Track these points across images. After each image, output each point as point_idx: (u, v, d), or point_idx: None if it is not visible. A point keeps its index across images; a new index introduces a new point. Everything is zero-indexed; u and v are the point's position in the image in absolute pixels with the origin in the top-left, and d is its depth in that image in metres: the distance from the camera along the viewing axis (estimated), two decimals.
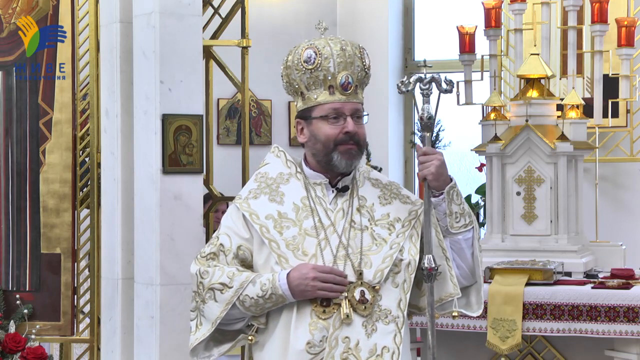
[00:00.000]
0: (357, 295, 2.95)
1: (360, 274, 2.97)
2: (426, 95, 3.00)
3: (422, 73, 3.05)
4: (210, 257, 3.08)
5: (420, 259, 3.04)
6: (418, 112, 3.03)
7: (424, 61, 3.18)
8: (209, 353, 3.13)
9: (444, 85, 3.00)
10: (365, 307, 2.95)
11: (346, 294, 2.94)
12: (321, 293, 2.93)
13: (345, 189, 3.10)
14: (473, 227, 3.12)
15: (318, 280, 2.92)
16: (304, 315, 2.96)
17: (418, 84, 2.99)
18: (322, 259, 2.98)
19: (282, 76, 3.15)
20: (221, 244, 3.08)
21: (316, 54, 3.04)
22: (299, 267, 2.96)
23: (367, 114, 3.13)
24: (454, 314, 3.13)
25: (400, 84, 3.02)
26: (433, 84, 3.00)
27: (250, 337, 3.06)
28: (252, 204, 3.08)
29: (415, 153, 6.86)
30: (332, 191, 3.11)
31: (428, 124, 3.01)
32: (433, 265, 2.98)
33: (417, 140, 6.87)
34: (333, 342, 2.93)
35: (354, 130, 3.04)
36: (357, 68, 3.07)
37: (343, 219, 3.05)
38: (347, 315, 2.92)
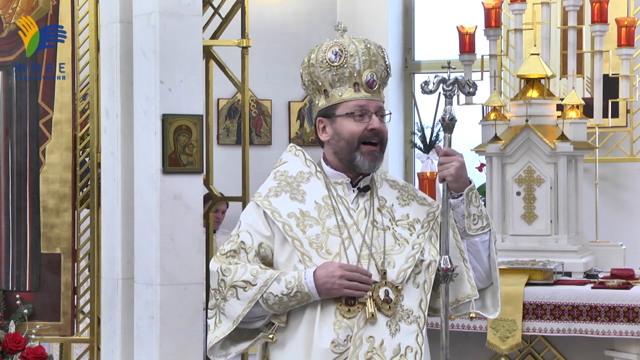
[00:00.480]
0: (381, 294, 2.95)
1: (384, 274, 2.97)
2: (449, 97, 3.01)
3: (446, 73, 3.05)
4: (230, 254, 3.05)
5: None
6: (440, 113, 3.09)
7: (448, 62, 3.15)
8: (225, 352, 3.12)
9: (466, 88, 3.02)
10: (389, 307, 2.95)
11: (371, 293, 2.94)
12: (347, 292, 2.92)
13: (366, 188, 3.10)
14: (490, 229, 3.12)
15: (345, 279, 2.91)
16: (329, 314, 2.95)
17: (441, 85, 3.01)
18: (346, 257, 2.98)
19: (301, 75, 3.14)
20: (242, 242, 3.05)
21: (342, 52, 3.04)
22: (326, 265, 2.95)
23: (390, 113, 3.12)
24: (471, 315, 3.13)
25: (423, 85, 3.03)
26: (456, 85, 3.02)
27: (270, 336, 3.03)
28: (273, 202, 3.08)
29: (415, 152, 6.88)
30: (353, 191, 3.10)
31: (450, 125, 3.01)
32: (449, 266, 2.99)
33: (417, 140, 6.86)
34: (357, 341, 2.92)
35: (379, 127, 3.03)
36: (381, 67, 3.07)
37: (365, 219, 3.04)
38: (372, 315, 2.92)
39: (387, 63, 3.10)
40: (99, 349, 4.88)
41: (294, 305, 2.98)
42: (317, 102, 3.12)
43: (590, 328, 4.73)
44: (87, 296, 4.96)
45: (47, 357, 4.83)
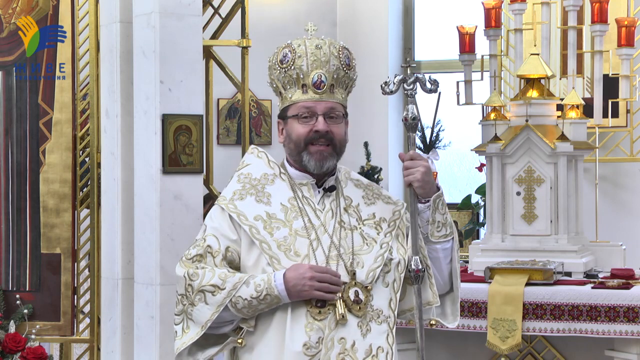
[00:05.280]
0: (351, 295, 2.94)
1: (353, 274, 2.96)
2: (410, 96, 2.97)
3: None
4: (197, 259, 3.02)
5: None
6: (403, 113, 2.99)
7: (407, 60, 3.10)
8: (192, 358, 3.06)
9: (428, 85, 2.97)
10: (359, 308, 2.94)
11: (341, 295, 2.93)
12: (318, 294, 2.91)
13: (332, 188, 3.09)
14: (453, 238, 3.10)
15: (315, 280, 2.90)
16: (300, 317, 2.94)
17: (402, 84, 2.97)
18: (315, 259, 2.97)
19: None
20: (209, 245, 3.02)
21: (290, 53, 3.05)
22: (296, 267, 2.93)
23: (344, 114, 3.07)
24: (431, 322, 3.12)
25: (383, 85, 3.00)
26: (417, 84, 2.97)
27: (239, 340, 3.00)
28: (238, 205, 3.05)
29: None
30: (319, 191, 3.09)
31: (413, 124, 2.97)
32: (420, 267, 2.98)
33: (417, 140, 6.86)
34: (329, 343, 2.91)
35: (323, 129, 3.00)
36: (333, 67, 3.03)
37: (332, 219, 3.04)
38: (343, 316, 2.91)
39: (343, 62, 3.04)
40: (99, 349, 4.88)
41: (263, 309, 2.95)
42: (278, 103, 3.14)
43: (590, 328, 4.72)
44: (87, 296, 4.96)
45: (47, 357, 4.83)
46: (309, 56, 3.02)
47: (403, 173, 3.03)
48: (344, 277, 2.95)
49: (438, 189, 3.03)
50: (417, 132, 3.05)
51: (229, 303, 2.94)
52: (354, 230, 3.03)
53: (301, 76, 3.03)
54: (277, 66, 3.07)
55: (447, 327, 3.20)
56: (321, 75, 3.02)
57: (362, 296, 2.95)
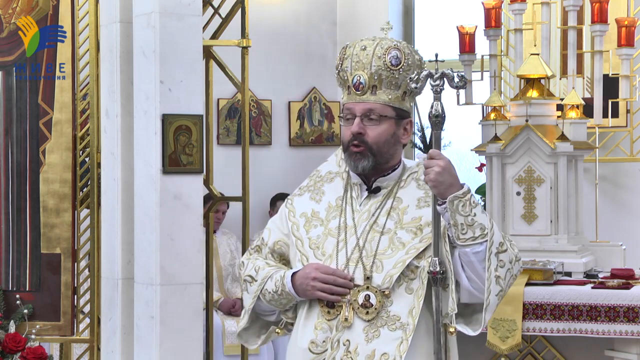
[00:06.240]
0: (360, 299, 2.91)
1: (367, 278, 2.93)
2: (437, 92, 2.87)
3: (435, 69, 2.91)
4: (255, 249, 3.17)
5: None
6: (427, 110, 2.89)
7: (436, 55, 3.03)
8: (258, 339, 3.22)
9: (456, 80, 2.87)
10: (367, 312, 2.91)
11: (349, 297, 2.91)
12: (319, 294, 2.92)
13: (376, 190, 3.05)
14: (487, 240, 2.87)
15: (318, 281, 2.91)
16: (313, 315, 2.97)
17: (429, 80, 2.88)
18: (337, 260, 2.96)
19: None
20: (262, 238, 3.16)
21: (342, 55, 3.05)
22: (306, 267, 2.97)
23: (390, 115, 2.99)
24: (450, 329, 2.95)
25: (409, 80, 2.93)
26: (445, 79, 2.87)
27: (277, 331, 3.13)
28: (295, 201, 3.13)
29: (415, 152, 6.87)
30: (366, 192, 3.07)
31: (436, 122, 2.88)
32: (437, 269, 2.86)
33: (417, 141, 6.86)
34: (335, 344, 2.91)
35: (355, 131, 2.97)
36: (374, 67, 2.97)
37: (366, 221, 3.00)
38: (346, 319, 2.90)
39: (388, 62, 2.97)
40: (99, 349, 4.88)
41: (286, 304, 3.04)
42: None
43: (590, 328, 4.73)
44: (87, 296, 4.96)
45: (47, 357, 4.83)
46: (353, 57, 3.01)
47: (424, 173, 2.93)
48: (359, 280, 2.93)
49: (462, 187, 2.88)
50: (443, 129, 2.95)
51: (260, 294, 3.06)
52: (385, 234, 2.96)
53: (345, 78, 3.03)
54: (335, 69, 3.10)
55: (469, 334, 3.05)
56: (360, 77, 2.99)
57: (373, 300, 2.91)
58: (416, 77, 2.91)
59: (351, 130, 2.99)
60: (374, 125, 2.99)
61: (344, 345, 2.91)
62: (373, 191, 3.05)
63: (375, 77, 2.99)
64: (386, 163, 3.04)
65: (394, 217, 2.99)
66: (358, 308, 2.91)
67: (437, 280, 2.88)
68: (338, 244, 2.98)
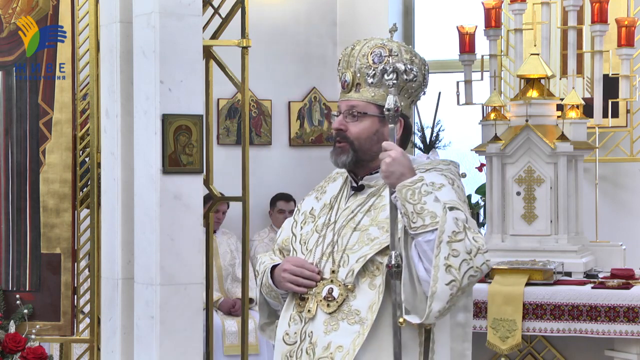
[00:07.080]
0: (323, 292, 2.97)
1: (333, 272, 2.98)
2: (390, 87, 2.87)
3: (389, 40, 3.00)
4: (275, 247, 3.29)
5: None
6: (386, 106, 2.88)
7: (394, 24, 3.05)
8: (269, 334, 3.32)
9: (404, 77, 2.86)
10: (329, 305, 2.95)
11: (314, 290, 2.98)
12: (289, 285, 3.02)
13: (360, 188, 3.09)
14: (437, 228, 2.80)
15: (288, 273, 3.01)
16: (290, 307, 3.05)
17: (384, 75, 2.87)
18: (313, 254, 3.04)
19: None
20: (277, 236, 3.30)
21: (339, 56, 3.15)
22: (284, 260, 3.09)
23: (370, 113, 3.01)
24: (400, 320, 2.86)
25: (367, 76, 3.00)
26: (396, 74, 2.86)
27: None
28: (304, 201, 3.23)
29: (415, 152, 6.87)
30: (352, 190, 3.11)
31: (389, 115, 2.86)
32: (393, 263, 2.84)
33: (417, 141, 6.86)
34: (303, 335, 2.99)
35: (335, 127, 3.06)
36: (357, 65, 3.03)
37: (345, 218, 3.05)
38: (309, 311, 2.98)
39: (370, 60, 3.00)
40: (99, 349, 4.88)
41: (276, 297, 3.15)
42: None
43: (590, 328, 4.73)
44: (87, 296, 4.96)
45: (47, 357, 4.83)
46: (344, 57, 3.10)
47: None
48: (327, 274, 2.99)
49: (413, 176, 2.84)
50: (396, 123, 2.93)
51: (260, 288, 3.20)
52: (358, 230, 3.00)
53: (340, 76, 3.12)
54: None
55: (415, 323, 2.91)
56: (345, 75, 3.07)
57: (336, 294, 2.95)
58: (373, 72, 2.96)
59: (332, 127, 3.08)
60: (356, 122, 3.04)
61: (309, 336, 2.97)
62: (357, 189, 3.09)
63: (358, 75, 3.05)
64: (372, 161, 3.04)
65: (371, 214, 3.02)
66: (320, 300, 2.97)
67: (393, 274, 2.86)
68: (318, 240, 3.06)
